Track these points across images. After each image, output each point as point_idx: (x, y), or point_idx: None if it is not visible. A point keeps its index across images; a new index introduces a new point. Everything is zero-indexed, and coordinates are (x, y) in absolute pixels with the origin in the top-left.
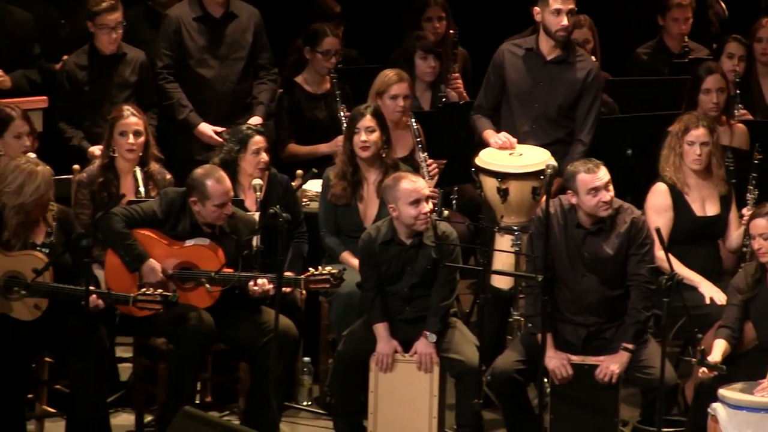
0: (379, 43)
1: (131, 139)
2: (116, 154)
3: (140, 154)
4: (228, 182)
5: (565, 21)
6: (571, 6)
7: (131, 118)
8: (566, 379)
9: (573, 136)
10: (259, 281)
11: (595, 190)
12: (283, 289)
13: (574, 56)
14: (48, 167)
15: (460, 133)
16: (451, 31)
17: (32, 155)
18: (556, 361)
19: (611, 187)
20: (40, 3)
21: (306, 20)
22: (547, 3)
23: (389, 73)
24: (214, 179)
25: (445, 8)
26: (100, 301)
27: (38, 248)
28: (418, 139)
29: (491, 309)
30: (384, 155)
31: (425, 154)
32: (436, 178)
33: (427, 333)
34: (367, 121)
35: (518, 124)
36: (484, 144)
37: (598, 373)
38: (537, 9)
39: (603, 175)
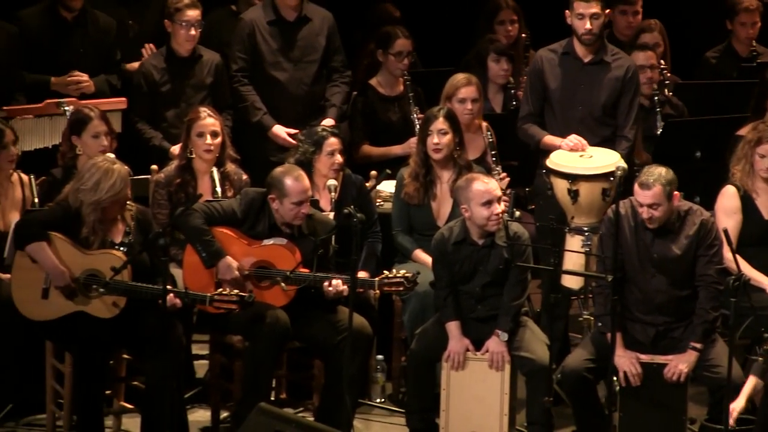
0: (440, 47)
1: (209, 139)
2: (193, 155)
3: (217, 154)
4: (306, 181)
5: (588, 25)
6: (594, 10)
7: (208, 119)
8: (635, 377)
9: (616, 133)
10: (334, 282)
11: (639, 204)
12: (357, 289)
13: (611, 56)
14: (125, 166)
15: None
16: (524, 35)
17: (111, 155)
18: (625, 360)
19: (660, 209)
20: (109, 4)
21: (367, 25)
22: (573, 7)
23: (458, 77)
24: (293, 177)
25: (518, 12)
26: (178, 300)
27: (116, 247)
28: (493, 152)
29: (560, 308)
30: (457, 156)
31: (499, 167)
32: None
33: (499, 332)
34: (440, 123)
35: (564, 127)
36: (543, 151)
37: (666, 372)
38: (568, 12)
39: (654, 194)
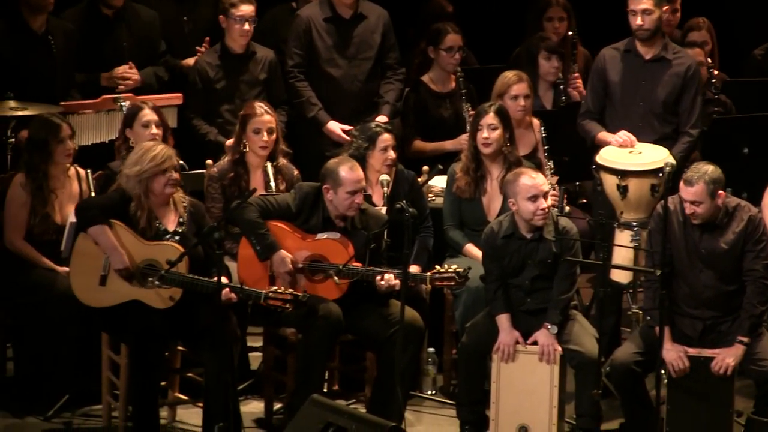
0: (492, 43)
1: (265, 137)
2: (247, 150)
3: (271, 149)
4: (360, 171)
5: (639, 20)
6: (645, 6)
7: (265, 116)
8: (683, 371)
9: (679, 129)
10: (386, 277)
11: (684, 200)
12: (409, 284)
13: (672, 53)
14: (171, 148)
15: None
16: (570, 33)
17: None
18: (673, 354)
19: (702, 206)
20: (162, 1)
21: (420, 21)
22: (627, 3)
23: (509, 75)
24: (347, 167)
25: (567, 9)
26: (233, 295)
27: (169, 236)
28: (545, 148)
29: (611, 302)
30: (507, 152)
31: (550, 162)
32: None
33: (548, 325)
34: (490, 118)
35: (626, 123)
36: (598, 146)
37: (713, 366)
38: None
39: (695, 191)
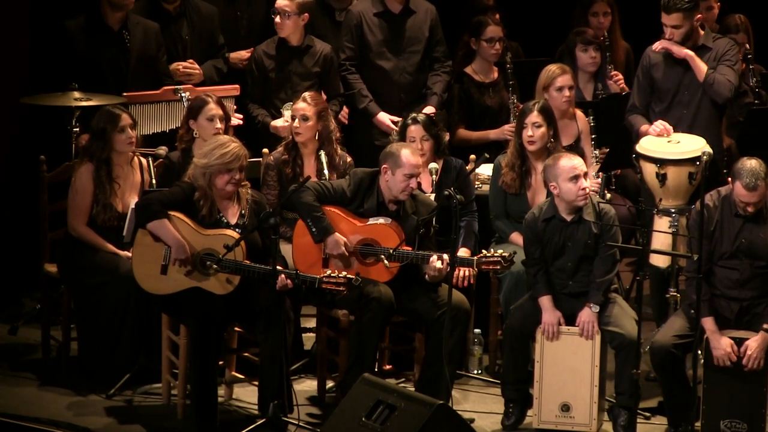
0: (539, 37)
1: (297, 122)
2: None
3: (306, 138)
4: (420, 158)
5: (668, 34)
6: (674, 22)
7: (299, 104)
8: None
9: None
10: (433, 258)
11: (745, 203)
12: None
13: (712, 41)
14: (244, 148)
15: (621, 122)
16: (603, 36)
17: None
18: (721, 352)
19: (761, 200)
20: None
21: (463, 14)
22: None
23: (552, 68)
24: (409, 151)
25: (611, 4)
26: (289, 281)
27: (231, 228)
28: (593, 136)
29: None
30: (551, 148)
31: (597, 151)
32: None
33: (591, 304)
34: (534, 116)
35: (673, 113)
36: (641, 137)
37: (744, 363)
38: None
39: (759, 193)
